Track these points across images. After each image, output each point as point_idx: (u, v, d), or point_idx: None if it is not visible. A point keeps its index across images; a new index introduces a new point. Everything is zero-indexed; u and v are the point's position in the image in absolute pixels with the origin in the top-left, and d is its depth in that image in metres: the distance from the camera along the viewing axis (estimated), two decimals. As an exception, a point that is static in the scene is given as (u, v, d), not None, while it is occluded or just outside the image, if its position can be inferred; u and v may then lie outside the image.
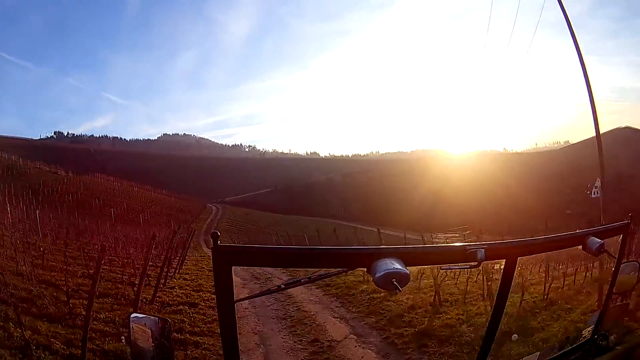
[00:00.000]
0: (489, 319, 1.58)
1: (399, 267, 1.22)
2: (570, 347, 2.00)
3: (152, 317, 1.47)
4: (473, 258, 1.37)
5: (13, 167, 62.14)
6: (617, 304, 2.19)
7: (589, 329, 2.08)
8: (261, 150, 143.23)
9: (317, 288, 8.50)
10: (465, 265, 1.40)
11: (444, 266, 1.47)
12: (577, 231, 1.79)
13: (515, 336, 2.06)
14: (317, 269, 1.42)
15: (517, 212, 50.62)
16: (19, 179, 54.33)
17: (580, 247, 1.73)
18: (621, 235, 1.98)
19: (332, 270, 1.41)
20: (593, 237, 1.70)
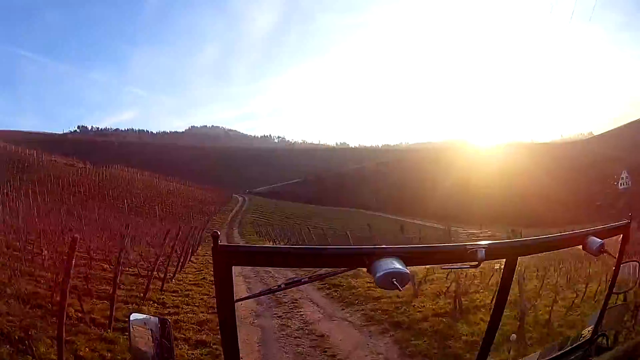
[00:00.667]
0: (489, 319, 1.58)
1: (400, 266, 1.23)
2: (570, 347, 2.00)
3: (152, 317, 1.47)
4: (473, 258, 1.38)
5: (25, 161, 61.36)
6: (617, 304, 2.20)
7: (589, 329, 2.08)
8: (290, 141, 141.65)
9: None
10: (465, 265, 1.40)
11: (445, 266, 1.48)
12: (577, 231, 1.79)
13: (513, 336, 2.06)
14: (317, 269, 1.42)
15: (547, 203, 50.19)
16: (29, 171, 53.67)
17: (580, 247, 1.74)
18: (621, 235, 1.98)
19: (333, 270, 1.41)
20: (593, 237, 1.71)
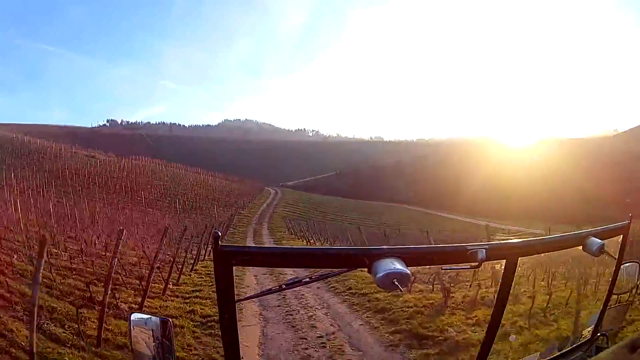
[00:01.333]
0: (490, 319, 1.58)
1: (400, 267, 1.23)
2: (570, 347, 2.00)
3: (153, 317, 1.47)
4: (474, 258, 1.38)
5: (42, 151, 60.59)
6: (617, 304, 2.20)
7: (589, 329, 2.08)
8: (325, 134, 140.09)
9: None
10: (466, 265, 1.41)
11: (445, 266, 1.48)
12: (577, 232, 1.80)
13: (512, 337, 2.06)
14: (318, 269, 1.43)
15: (579, 199, 49.73)
16: (41, 162, 52.88)
17: (580, 247, 1.74)
18: (621, 235, 1.99)
19: (333, 270, 1.42)
20: (593, 238, 1.71)
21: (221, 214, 42.23)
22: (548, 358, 1.93)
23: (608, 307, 2.08)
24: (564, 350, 1.97)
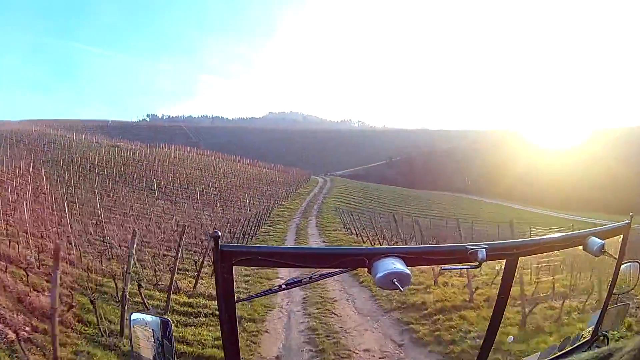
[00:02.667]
0: (490, 320, 1.59)
1: (400, 267, 1.23)
2: (570, 348, 2.00)
3: (153, 317, 1.47)
4: (474, 258, 1.39)
5: (62, 141, 59.39)
6: (617, 304, 2.20)
7: (589, 329, 2.08)
8: (371, 125, 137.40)
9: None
10: (467, 265, 1.41)
11: (445, 266, 1.48)
12: (577, 232, 1.80)
13: (511, 337, 2.06)
14: (317, 269, 1.43)
15: (619, 188, 48.86)
16: (47, 151, 51.33)
17: (580, 247, 1.74)
18: (622, 235, 1.99)
19: (333, 270, 1.42)
20: (593, 238, 1.71)
21: (256, 206, 35.34)
22: (548, 358, 1.94)
23: (608, 307, 2.08)
24: (564, 351, 1.97)
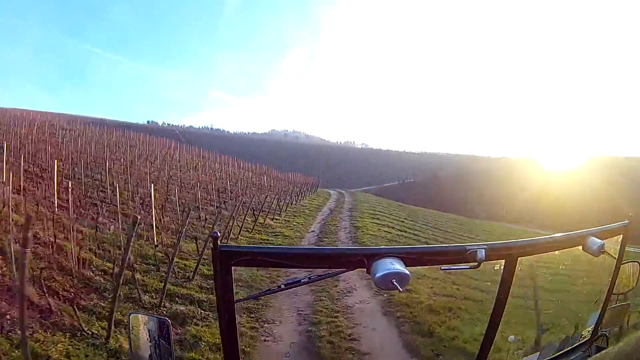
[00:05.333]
0: (489, 320, 1.58)
1: (399, 267, 1.23)
2: (570, 347, 2.00)
3: (151, 316, 1.47)
4: (473, 258, 1.38)
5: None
6: (617, 304, 2.20)
7: (589, 329, 2.08)
8: (375, 148, 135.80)
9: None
10: (466, 265, 1.40)
11: (444, 267, 1.48)
12: (577, 231, 1.79)
13: (512, 337, 2.06)
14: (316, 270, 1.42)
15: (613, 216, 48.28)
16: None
17: (580, 247, 1.74)
18: (621, 235, 1.99)
19: (332, 270, 1.41)
20: (593, 238, 1.71)
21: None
22: (548, 358, 1.93)
23: (608, 307, 2.08)
24: (564, 350, 1.97)
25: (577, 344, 2.01)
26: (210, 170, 36.31)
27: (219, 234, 1.32)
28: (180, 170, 30.04)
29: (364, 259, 1.29)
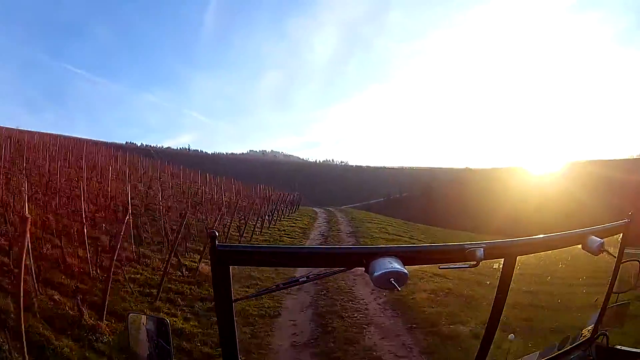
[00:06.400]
0: (488, 318, 1.58)
1: (398, 266, 1.22)
2: (569, 347, 1.99)
3: (150, 316, 1.47)
4: (472, 257, 1.37)
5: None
6: (617, 303, 2.19)
7: (589, 328, 2.07)
8: (354, 165, 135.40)
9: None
10: (465, 264, 1.40)
11: (443, 265, 1.47)
12: (577, 230, 1.79)
13: (512, 336, 2.05)
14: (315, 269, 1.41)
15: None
16: None
17: (579, 246, 1.73)
18: (621, 234, 1.98)
19: (331, 269, 1.41)
20: (593, 236, 1.70)
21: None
22: (548, 357, 1.93)
23: (608, 307, 2.07)
24: (563, 350, 1.97)
25: (577, 343, 2.01)
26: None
27: (217, 233, 1.32)
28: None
29: (362, 258, 1.28)
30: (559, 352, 1.95)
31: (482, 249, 1.38)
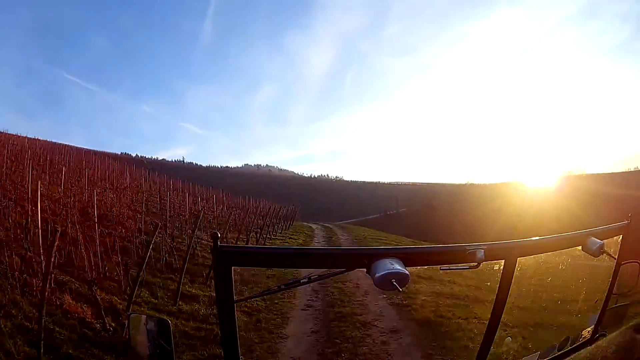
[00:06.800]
0: (488, 319, 1.58)
1: (399, 267, 1.22)
2: (570, 347, 2.00)
3: (151, 317, 1.47)
4: (473, 258, 1.38)
5: None
6: (617, 304, 2.20)
7: (589, 329, 2.08)
8: (349, 180, 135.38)
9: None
10: (465, 265, 1.40)
11: (444, 266, 1.48)
12: (577, 231, 1.79)
13: (509, 339, 2.06)
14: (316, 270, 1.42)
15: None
16: None
17: (580, 247, 1.74)
18: (621, 235, 1.98)
19: (332, 270, 1.41)
20: (593, 238, 1.70)
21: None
22: (548, 358, 1.93)
23: (608, 307, 2.08)
24: (563, 350, 1.97)
25: (577, 344, 2.01)
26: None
27: (219, 233, 1.32)
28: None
29: (364, 259, 1.29)
30: (559, 353, 1.95)
31: (483, 250, 1.38)
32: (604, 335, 2.01)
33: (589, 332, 2.06)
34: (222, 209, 24.83)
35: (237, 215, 19.66)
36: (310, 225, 34.41)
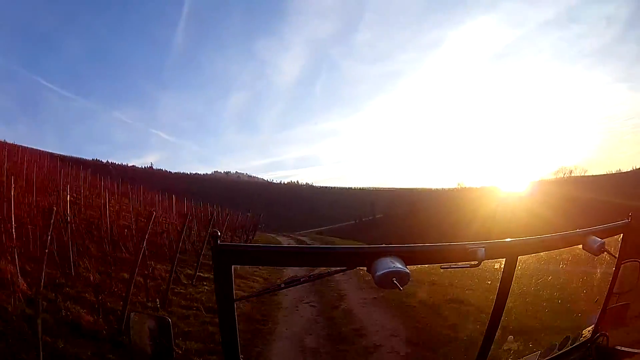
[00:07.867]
0: (489, 318, 1.58)
1: (400, 266, 1.22)
2: (570, 347, 1.99)
3: (152, 316, 1.47)
4: (473, 257, 1.38)
5: None
6: (617, 304, 2.20)
7: (589, 328, 2.07)
8: (320, 186, 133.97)
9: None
10: (466, 264, 1.40)
11: (444, 265, 1.47)
12: (578, 230, 1.79)
13: (510, 337, 2.05)
14: (316, 269, 1.42)
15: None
16: None
17: (580, 246, 1.73)
18: (622, 234, 1.98)
19: (332, 269, 1.41)
20: (593, 237, 1.70)
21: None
22: (548, 357, 1.93)
23: (608, 307, 2.07)
24: (563, 350, 1.97)
25: (577, 344, 2.01)
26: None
27: (219, 232, 1.32)
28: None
29: (364, 258, 1.28)
30: (559, 352, 1.95)
31: (484, 248, 1.38)
32: (604, 335, 2.01)
33: (589, 331, 2.06)
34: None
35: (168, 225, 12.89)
36: (276, 237, 29.75)
